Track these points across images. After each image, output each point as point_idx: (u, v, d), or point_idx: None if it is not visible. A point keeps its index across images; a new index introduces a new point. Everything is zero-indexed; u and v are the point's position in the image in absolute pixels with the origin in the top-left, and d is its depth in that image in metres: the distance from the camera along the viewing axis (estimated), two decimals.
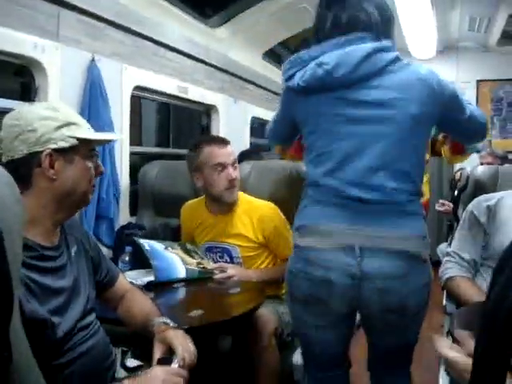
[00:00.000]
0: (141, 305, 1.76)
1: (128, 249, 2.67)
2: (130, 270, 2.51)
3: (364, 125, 1.64)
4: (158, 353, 1.53)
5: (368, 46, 1.63)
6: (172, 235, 2.86)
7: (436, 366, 2.15)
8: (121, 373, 1.58)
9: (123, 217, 3.23)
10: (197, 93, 4.23)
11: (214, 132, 4.58)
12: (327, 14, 1.72)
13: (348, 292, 1.65)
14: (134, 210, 3.40)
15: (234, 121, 4.88)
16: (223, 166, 2.43)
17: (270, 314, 2.28)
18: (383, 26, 1.71)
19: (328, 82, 1.63)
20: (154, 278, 2.28)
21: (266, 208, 2.53)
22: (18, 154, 1.36)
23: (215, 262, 2.50)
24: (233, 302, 2.27)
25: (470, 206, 2.41)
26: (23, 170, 1.37)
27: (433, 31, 5.61)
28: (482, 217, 2.31)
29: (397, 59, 1.67)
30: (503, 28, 5.46)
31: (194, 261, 2.40)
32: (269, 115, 5.89)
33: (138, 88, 3.44)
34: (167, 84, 3.79)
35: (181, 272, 2.33)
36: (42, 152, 1.38)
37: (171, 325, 1.60)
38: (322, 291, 1.67)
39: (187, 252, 2.44)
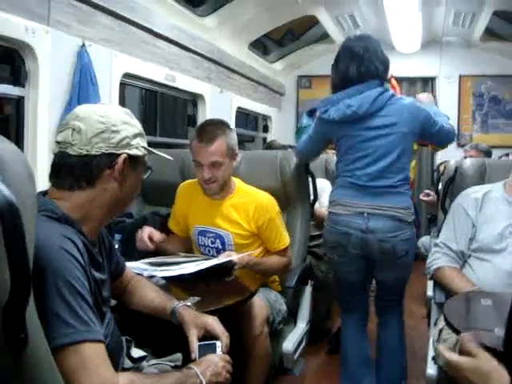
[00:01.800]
0: (151, 291, 1.78)
1: (118, 236, 2.65)
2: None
3: (375, 140, 2.51)
4: (194, 337, 1.58)
5: (377, 90, 2.51)
6: (161, 223, 2.84)
7: (422, 350, 2.74)
8: (126, 363, 1.57)
9: None
10: (184, 81, 4.22)
11: (200, 122, 4.55)
12: (349, 65, 2.54)
13: (359, 240, 2.53)
14: None
15: (220, 111, 4.86)
16: (199, 164, 2.38)
17: (262, 303, 2.30)
18: (384, 73, 2.59)
19: (354, 117, 2.50)
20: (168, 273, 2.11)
21: (264, 198, 2.50)
22: (95, 150, 1.35)
23: (206, 247, 2.51)
24: (227, 290, 2.23)
25: (458, 199, 2.45)
26: (95, 167, 1.37)
27: (418, 26, 5.63)
28: (470, 209, 2.35)
29: (392, 96, 2.55)
30: (487, 24, 5.52)
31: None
32: (253, 105, 5.92)
33: (126, 75, 3.42)
34: (155, 72, 3.78)
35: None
36: (118, 155, 1.39)
37: (191, 306, 1.70)
38: (343, 240, 2.57)
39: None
